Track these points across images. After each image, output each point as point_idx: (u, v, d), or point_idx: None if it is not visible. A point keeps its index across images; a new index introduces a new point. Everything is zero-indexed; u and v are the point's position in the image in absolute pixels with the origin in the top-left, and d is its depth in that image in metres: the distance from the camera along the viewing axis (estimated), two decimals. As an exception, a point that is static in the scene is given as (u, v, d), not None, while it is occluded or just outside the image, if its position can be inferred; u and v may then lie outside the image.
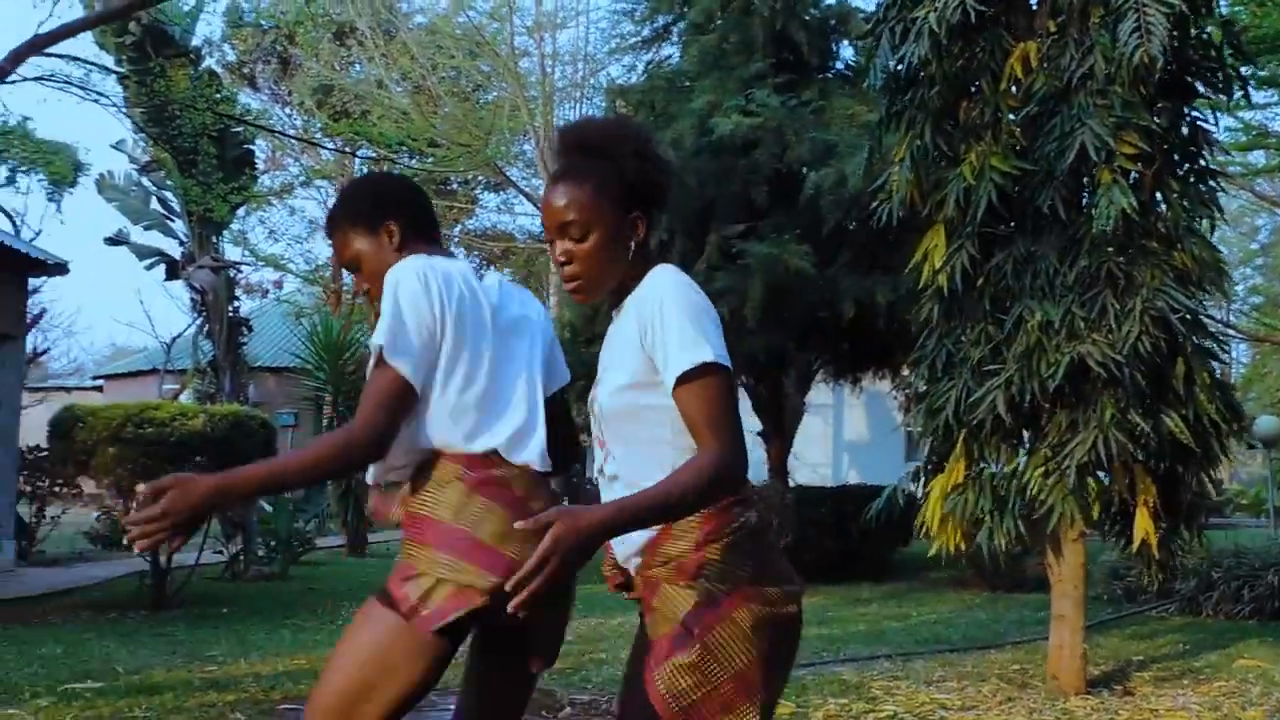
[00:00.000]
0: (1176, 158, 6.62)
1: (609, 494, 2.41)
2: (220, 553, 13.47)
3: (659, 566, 2.30)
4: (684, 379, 2.21)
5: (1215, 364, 6.70)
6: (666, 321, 2.25)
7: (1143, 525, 6.33)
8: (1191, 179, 6.62)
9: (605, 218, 2.36)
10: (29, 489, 15.77)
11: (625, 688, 2.47)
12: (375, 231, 2.73)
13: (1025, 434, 6.74)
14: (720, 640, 2.24)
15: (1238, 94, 6.94)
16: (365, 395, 2.44)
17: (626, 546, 2.35)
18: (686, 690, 2.24)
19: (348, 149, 24.00)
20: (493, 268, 34.93)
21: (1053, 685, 6.72)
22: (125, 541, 2.32)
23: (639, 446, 2.35)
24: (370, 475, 2.61)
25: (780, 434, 14.37)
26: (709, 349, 2.22)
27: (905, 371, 12.94)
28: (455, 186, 30.05)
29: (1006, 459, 6.56)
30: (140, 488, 2.27)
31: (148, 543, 2.27)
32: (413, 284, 2.49)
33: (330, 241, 2.81)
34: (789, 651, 2.35)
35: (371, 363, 2.49)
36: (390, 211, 2.73)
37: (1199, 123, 6.66)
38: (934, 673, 7.26)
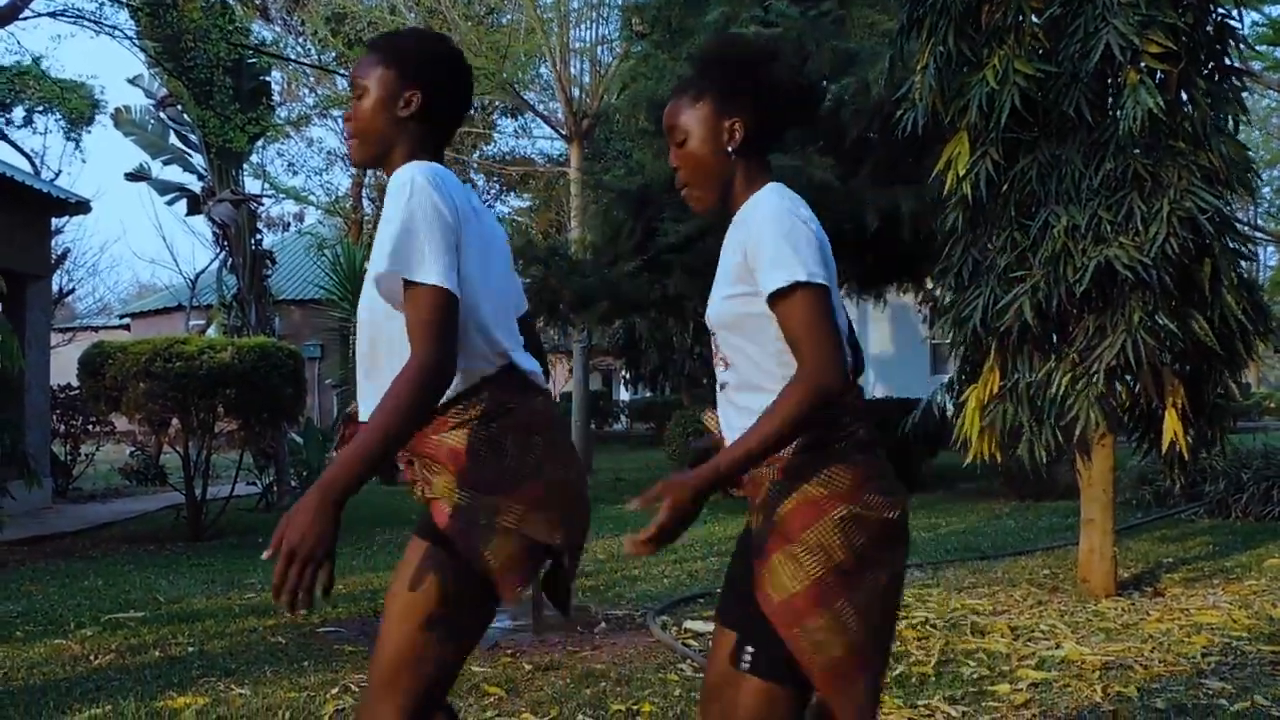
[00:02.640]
0: (1202, 56, 6.51)
1: (724, 404, 2.49)
2: (254, 484, 13.61)
3: (766, 467, 2.35)
4: (777, 296, 2.27)
5: (1243, 265, 6.64)
6: (763, 240, 2.31)
7: (1171, 427, 6.32)
8: (1218, 77, 6.52)
9: (700, 124, 2.46)
10: (62, 427, 15.95)
11: (727, 588, 2.56)
12: (399, 82, 2.47)
13: (1054, 340, 6.72)
14: (816, 538, 2.29)
15: (1264, -12, 6.81)
16: (417, 322, 2.21)
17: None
18: (785, 584, 2.29)
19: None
20: (513, 193, 34.83)
21: (1083, 588, 6.77)
22: (286, 610, 2.11)
23: (746, 355, 2.41)
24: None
25: (856, 355, 14.33)
26: (801, 268, 2.26)
27: (930, 284, 12.89)
28: (472, 111, 29.89)
29: (1038, 366, 6.54)
30: (265, 555, 2.09)
31: (306, 596, 2.09)
32: (431, 192, 2.28)
33: (363, 55, 2.54)
34: (892, 554, 2.38)
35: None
36: (425, 82, 2.48)
37: (1225, 19, 6.54)
38: (964, 580, 7.31)
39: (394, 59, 2.49)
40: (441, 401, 2.30)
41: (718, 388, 2.52)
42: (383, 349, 2.40)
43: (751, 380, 2.41)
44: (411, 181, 2.29)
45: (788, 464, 2.33)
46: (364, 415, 2.43)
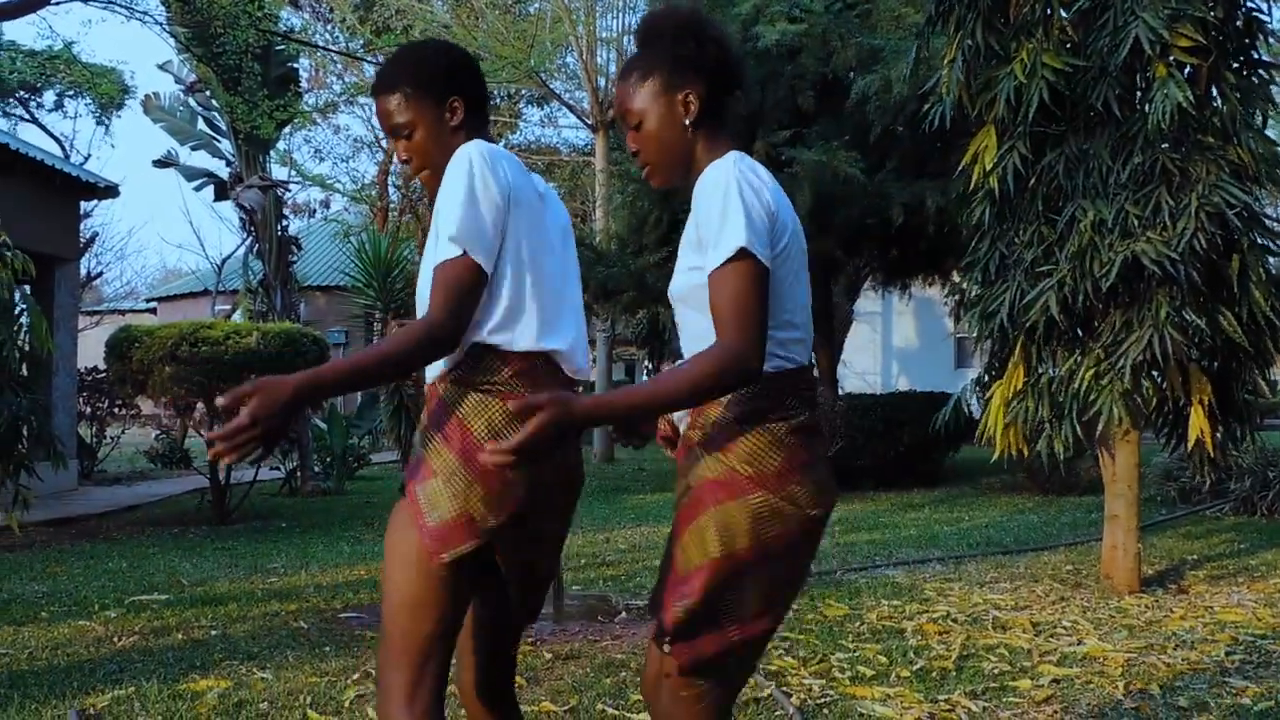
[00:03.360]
0: (1231, 50, 6.46)
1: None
2: (277, 469, 13.68)
3: (697, 429, 2.32)
4: (717, 270, 2.19)
5: (1271, 261, 6.59)
6: (711, 211, 2.23)
7: (1198, 423, 6.28)
8: (1247, 71, 6.48)
9: (654, 102, 2.39)
10: (89, 410, 16.06)
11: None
12: (440, 103, 2.52)
13: (1080, 335, 6.68)
14: (729, 519, 2.22)
15: (1297, -17, 6.75)
16: (438, 284, 2.29)
17: (683, 416, 2.39)
18: (691, 557, 2.25)
19: (390, 65, 23.89)
20: (538, 182, 34.74)
21: (1106, 585, 6.74)
22: (210, 457, 2.16)
23: (700, 329, 2.30)
24: (430, 374, 2.49)
25: (829, 342, 14.34)
26: (737, 238, 2.17)
27: (956, 277, 12.84)
28: (498, 100, 29.89)
29: (1063, 361, 6.51)
30: (220, 400, 2.13)
31: (236, 455, 2.13)
32: (482, 167, 2.35)
33: (381, 98, 2.55)
34: (801, 553, 2.31)
35: (437, 248, 2.33)
36: (459, 86, 2.54)
37: (1254, 13, 6.49)
38: (986, 574, 7.29)
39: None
40: (465, 372, 2.39)
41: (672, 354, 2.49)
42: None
43: (695, 339, 2.33)
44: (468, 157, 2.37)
45: (717, 433, 2.27)
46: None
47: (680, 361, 2.20)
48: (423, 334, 2.25)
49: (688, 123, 2.37)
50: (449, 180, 2.35)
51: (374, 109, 2.60)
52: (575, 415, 2.08)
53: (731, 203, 2.20)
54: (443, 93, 2.52)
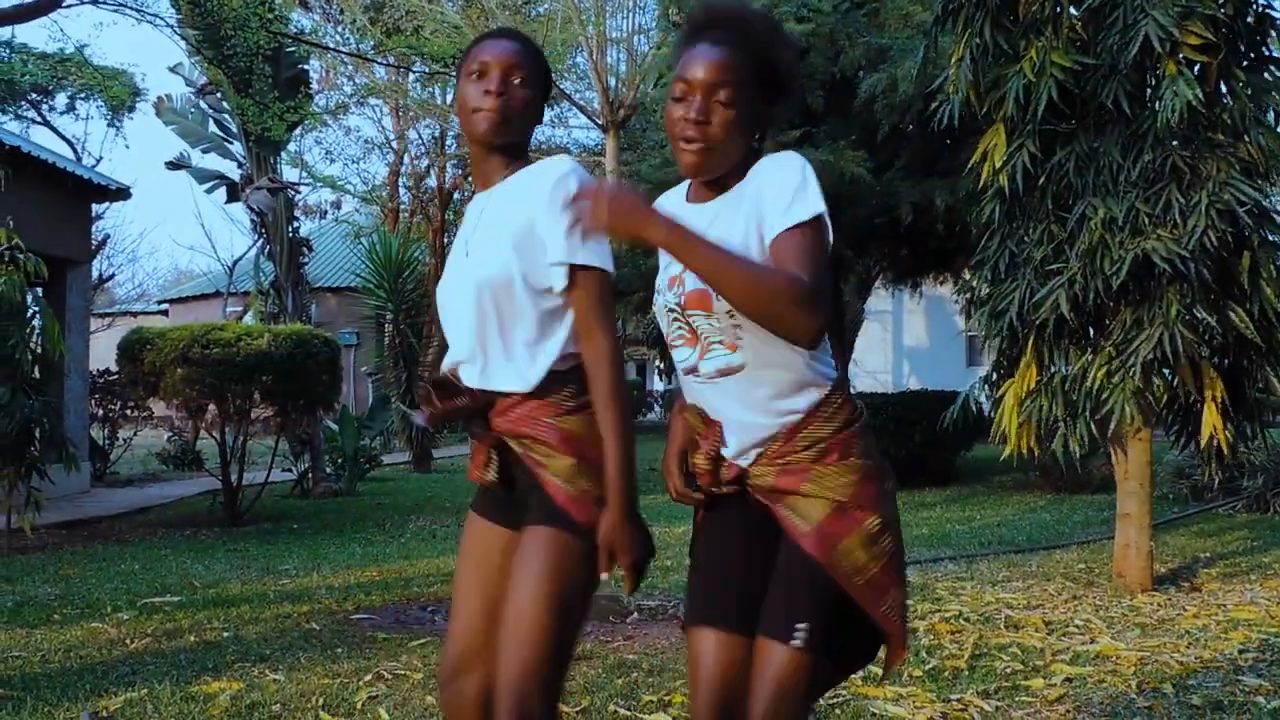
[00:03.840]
0: (1242, 47, 6.44)
1: (722, 391, 2.38)
2: (289, 470, 13.70)
3: (802, 451, 2.33)
4: (795, 227, 2.22)
5: (1284, 257, 6.56)
6: (787, 180, 2.27)
7: (1210, 421, 6.26)
8: (1258, 68, 6.46)
9: (751, 98, 2.34)
10: (101, 412, 16.11)
11: (722, 589, 2.46)
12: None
13: (1090, 333, 6.67)
14: (888, 512, 2.35)
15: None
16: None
17: (752, 435, 2.36)
18: (867, 563, 2.31)
19: (401, 65, 23.92)
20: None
21: (1119, 583, 6.73)
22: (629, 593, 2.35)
23: (764, 334, 2.27)
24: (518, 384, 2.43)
25: (840, 341, 14.32)
26: (820, 205, 2.25)
27: (966, 275, 12.82)
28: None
29: (1074, 360, 6.49)
30: (605, 576, 2.36)
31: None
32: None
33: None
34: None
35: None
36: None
37: (1266, 10, 6.47)
38: (999, 573, 7.28)
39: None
40: (548, 386, 2.41)
41: (711, 375, 2.38)
42: (510, 320, 2.43)
43: (774, 359, 2.32)
44: (575, 173, 2.42)
45: (834, 441, 2.33)
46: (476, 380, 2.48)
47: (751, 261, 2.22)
48: (614, 362, 2.37)
49: (757, 136, 2.40)
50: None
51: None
52: (646, 220, 2.20)
53: (810, 178, 2.27)
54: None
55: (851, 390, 2.46)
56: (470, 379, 2.48)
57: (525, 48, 2.52)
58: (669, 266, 2.43)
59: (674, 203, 2.54)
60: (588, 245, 2.36)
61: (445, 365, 2.54)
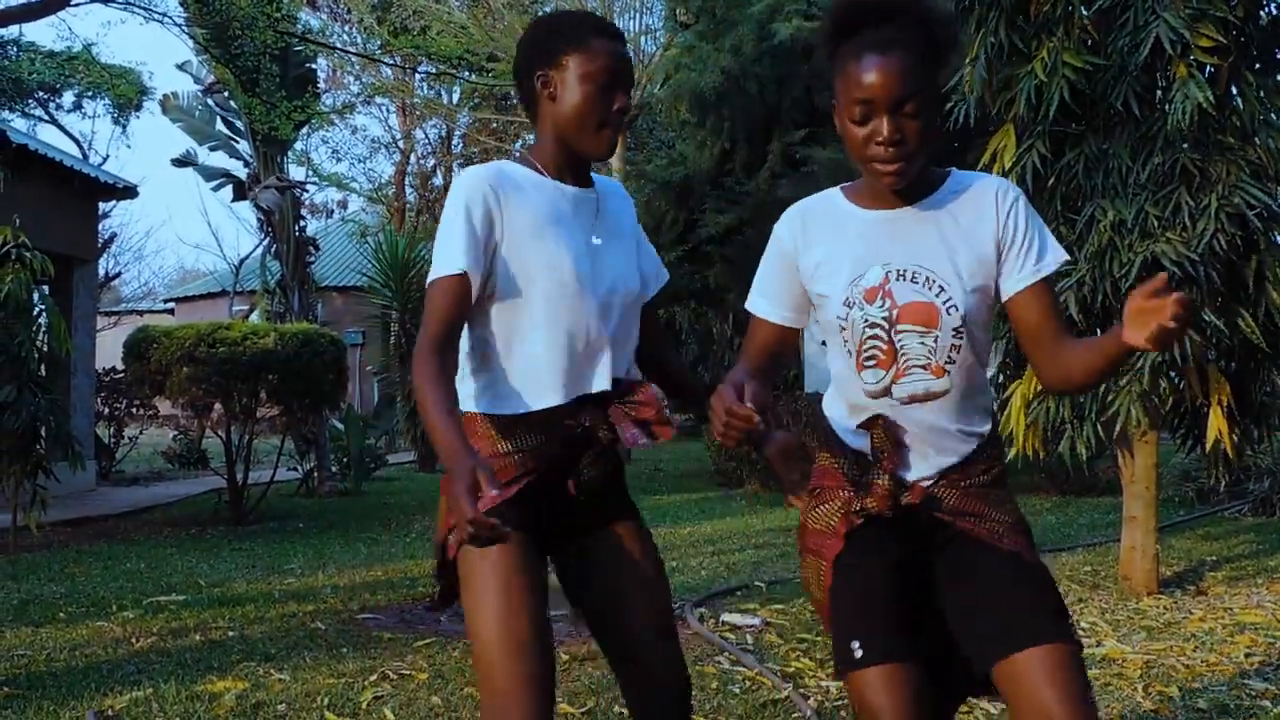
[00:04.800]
0: (1254, 50, 6.42)
1: (913, 415, 2.26)
2: (294, 470, 13.71)
3: (979, 475, 2.33)
4: (1051, 276, 2.24)
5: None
6: (1028, 222, 2.26)
7: (1216, 424, 6.24)
8: (1269, 71, 6.44)
9: (930, 86, 2.18)
10: (106, 410, 16.12)
11: (902, 623, 2.22)
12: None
13: (1099, 335, 6.65)
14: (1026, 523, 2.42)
15: (1318, -19, 6.70)
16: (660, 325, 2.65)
17: (945, 458, 2.29)
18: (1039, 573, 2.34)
19: (408, 65, 23.94)
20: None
21: (1125, 586, 6.71)
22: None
23: (975, 357, 2.27)
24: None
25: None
26: (1063, 251, 2.30)
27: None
28: (515, 101, 29.94)
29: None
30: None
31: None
32: None
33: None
34: None
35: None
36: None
37: (1278, 13, 6.45)
38: (1005, 576, 7.25)
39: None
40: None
41: (904, 399, 2.26)
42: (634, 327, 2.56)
43: (974, 386, 2.29)
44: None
45: (1000, 470, 2.38)
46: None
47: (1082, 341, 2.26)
48: None
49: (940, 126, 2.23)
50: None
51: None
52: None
53: (1037, 215, 2.29)
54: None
55: None
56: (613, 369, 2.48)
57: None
58: (862, 277, 2.25)
59: (837, 208, 2.36)
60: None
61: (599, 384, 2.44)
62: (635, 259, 2.56)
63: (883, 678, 2.13)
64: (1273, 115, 6.32)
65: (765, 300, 2.42)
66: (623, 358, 2.48)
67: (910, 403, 2.25)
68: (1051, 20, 6.41)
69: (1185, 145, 6.13)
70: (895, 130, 2.13)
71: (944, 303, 2.20)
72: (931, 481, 2.29)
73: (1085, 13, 6.45)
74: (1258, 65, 6.40)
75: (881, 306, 2.22)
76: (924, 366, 2.22)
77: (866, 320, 2.23)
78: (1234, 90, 6.29)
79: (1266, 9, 6.40)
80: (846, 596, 2.26)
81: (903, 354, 2.22)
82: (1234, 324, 6.13)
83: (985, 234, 2.23)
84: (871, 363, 2.24)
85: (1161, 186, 6.14)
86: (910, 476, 2.28)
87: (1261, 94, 6.24)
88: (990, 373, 7.47)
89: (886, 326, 2.21)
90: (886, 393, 2.25)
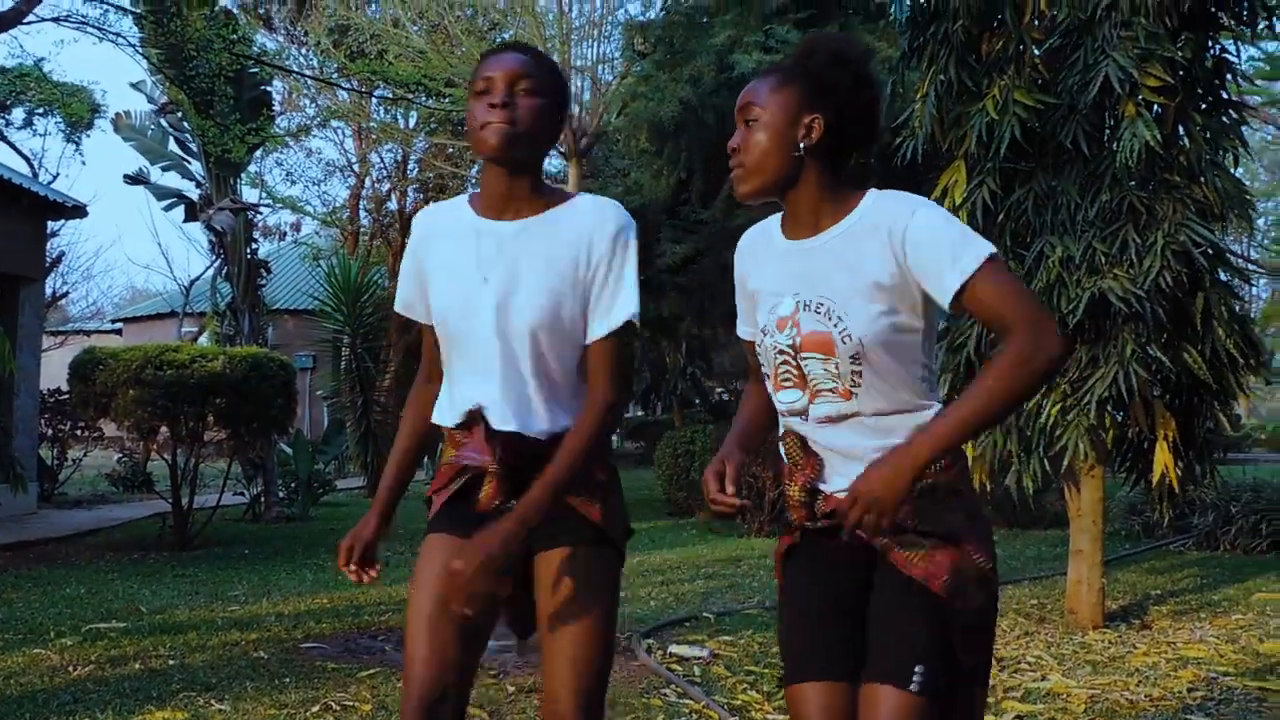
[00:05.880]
0: (1200, 90, 6.52)
1: (830, 433, 2.34)
2: (241, 494, 13.56)
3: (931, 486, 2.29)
4: (973, 278, 2.19)
5: (1237, 297, 6.63)
6: (940, 234, 2.22)
7: (1162, 459, 6.31)
8: (1215, 111, 6.54)
9: (778, 112, 2.29)
10: (50, 432, 15.89)
11: (827, 638, 2.35)
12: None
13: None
14: (983, 530, 2.35)
15: (1262, 24, 6.82)
16: (606, 365, 2.46)
17: (852, 476, 2.26)
18: (972, 593, 2.28)
19: (364, 89, 23.88)
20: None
21: (1070, 620, 6.74)
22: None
23: (893, 376, 2.29)
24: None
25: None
26: (984, 243, 2.23)
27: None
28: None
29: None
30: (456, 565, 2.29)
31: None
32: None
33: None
34: None
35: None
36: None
37: (1223, 54, 6.56)
38: (952, 609, 7.27)
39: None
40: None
41: (820, 419, 2.34)
42: (555, 367, 2.45)
43: (898, 402, 2.30)
44: (632, 225, 2.47)
45: (940, 478, 2.28)
46: (511, 424, 2.45)
47: (980, 376, 2.19)
48: (608, 421, 2.45)
49: (802, 146, 2.30)
50: (625, 250, 2.48)
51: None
52: (909, 467, 2.15)
53: (952, 222, 2.25)
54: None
55: None
56: (502, 420, 2.43)
57: (531, 57, 2.45)
58: (777, 306, 2.37)
59: (769, 236, 2.47)
60: (625, 304, 2.42)
61: (465, 405, 2.46)
62: (557, 290, 2.40)
63: (813, 693, 2.30)
64: (1219, 155, 6.42)
65: (743, 324, 2.56)
66: (522, 395, 2.44)
67: (826, 423, 2.34)
68: (1003, 59, 6.49)
69: (1133, 183, 6.21)
70: (738, 140, 2.33)
71: (840, 332, 2.27)
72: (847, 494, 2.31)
73: (1036, 52, 6.53)
74: (1204, 105, 6.50)
75: (789, 334, 2.34)
76: (832, 390, 2.31)
77: (776, 347, 2.36)
78: (1181, 130, 6.39)
79: (1212, 50, 6.50)
80: (786, 612, 2.44)
81: (811, 379, 2.32)
82: (1180, 360, 6.20)
83: (886, 257, 2.26)
84: (788, 384, 2.36)
85: (1109, 223, 6.21)
86: (829, 489, 2.35)
87: (1208, 134, 6.35)
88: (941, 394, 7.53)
89: (793, 354, 2.33)
90: (805, 412, 2.35)
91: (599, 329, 2.41)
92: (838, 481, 2.34)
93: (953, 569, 2.26)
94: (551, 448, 2.39)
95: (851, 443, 2.32)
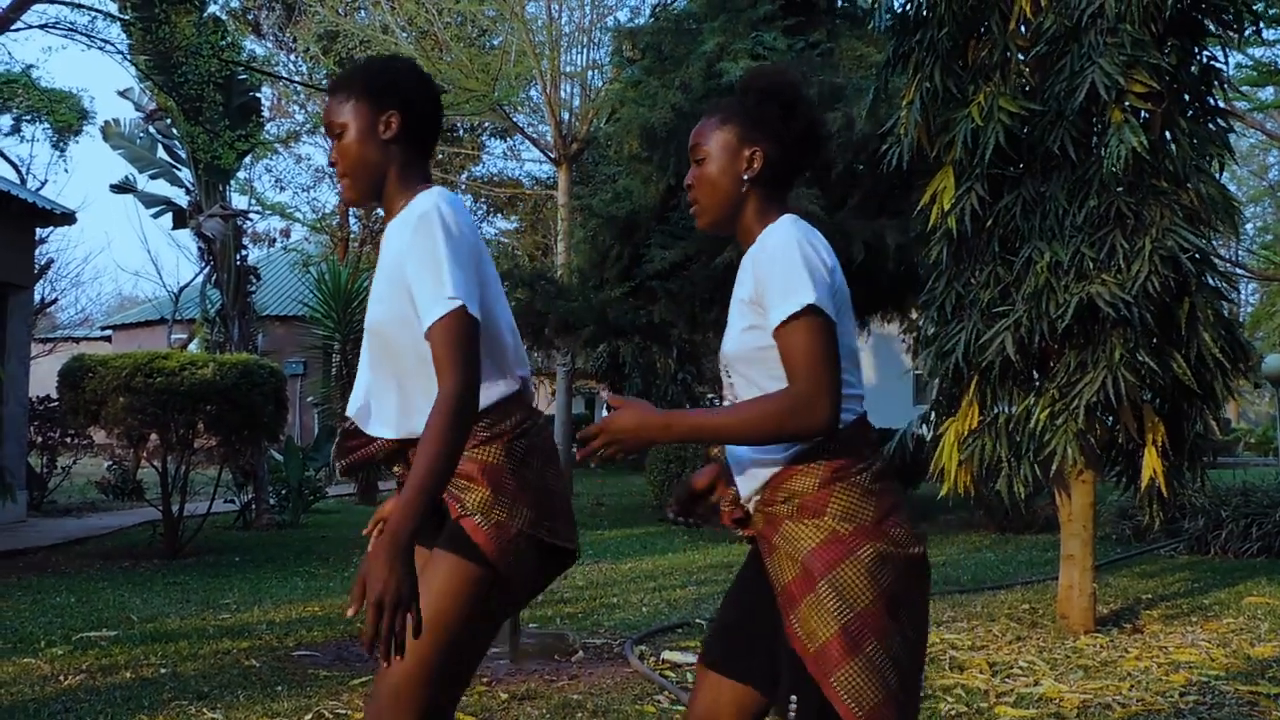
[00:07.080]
0: (1186, 96, 6.56)
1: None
2: (232, 501, 13.53)
3: (781, 503, 2.33)
4: (784, 323, 2.27)
5: (1223, 303, 6.66)
6: (773, 272, 2.32)
7: (1151, 464, 6.33)
8: (1201, 118, 6.57)
9: (721, 148, 2.47)
10: (39, 439, 15.84)
11: (724, 632, 2.54)
12: (377, 112, 2.52)
13: (1035, 376, 6.73)
14: (844, 578, 2.24)
15: (1249, 31, 6.85)
16: (444, 351, 2.30)
17: (749, 482, 2.39)
18: (816, 631, 2.24)
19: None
20: (500, 214, 34.86)
21: (1062, 624, 6.76)
22: (383, 660, 2.18)
23: (760, 389, 2.38)
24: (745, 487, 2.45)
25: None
26: (807, 293, 2.26)
27: (914, 315, 12.90)
28: (461, 133, 29.92)
29: (1017, 401, 6.55)
30: (350, 612, 2.22)
31: (399, 643, 2.18)
32: (454, 218, 2.42)
33: (331, 99, 2.59)
34: (919, 592, 2.35)
35: (431, 305, 2.32)
36: (400, 102, 2.54)
37: (1210, 61, 6.60)
38: (943, 613, 7.29)
39: (361, 90, 2.54)
40: (502, 427, 2.45)
41: None
42: (409, 363, 2.46)
43: None
44: (437, 209, 2.40)
45: (806, 499, 2.30)
46: (379, 429, 2.52)
47: (754, 399, 2.31)
48: (457, 409, 2.27)
49: (746, 179, 2.46)
50: (424, 237, 2.37)
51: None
52: (656, 428, 2.31)
53: (795, 262, 2.30)
54: (381, 103, 2.53)
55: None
56: (370, 425, 2.53)
57: (339, 93, 2.57)
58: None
59: None
60: (444, 295, 2.32)
61: (349, 410, 2.56)
62: (387, 293, 2.47)
63: (702, 676, 2.54)
64: (1205, 160, 6.45)
65: None
66: (367, 393, 2.54)
67: None
68: (989, 66, 6.52)
69: (1120, 189, 6.24)
70: (690, 177, 2.53)
71: (726, 342, 2.48)
72: (748, 501, 2.43)
73: (1022, 59, 6.56)
74: (1190, 111, 6.54)
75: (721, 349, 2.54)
76: (733, 394, 2.47)
77: (720, 358, 2.53)
78: (1167, 136, 6.42)
79: (1198, 58, 6.54)
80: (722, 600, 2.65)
81: (730, 384, 2.50)
82: (1167, 365, 6.22)
83: (750, 278, 2.40)
84: (725, 395, 2.53)
85: (1097, 229, 6.24)
86: (740, 494, 2.46)
87: (1194, 140, 6.38)
88: (924, 409, 7.54)
89: (724, 365, 2.51)
90: None
91: (426, 319, 2.35)
92: (740, 487, 2.46)
93: (795, 600, 2.29)
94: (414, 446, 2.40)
95: (732, 452, 2.45)
